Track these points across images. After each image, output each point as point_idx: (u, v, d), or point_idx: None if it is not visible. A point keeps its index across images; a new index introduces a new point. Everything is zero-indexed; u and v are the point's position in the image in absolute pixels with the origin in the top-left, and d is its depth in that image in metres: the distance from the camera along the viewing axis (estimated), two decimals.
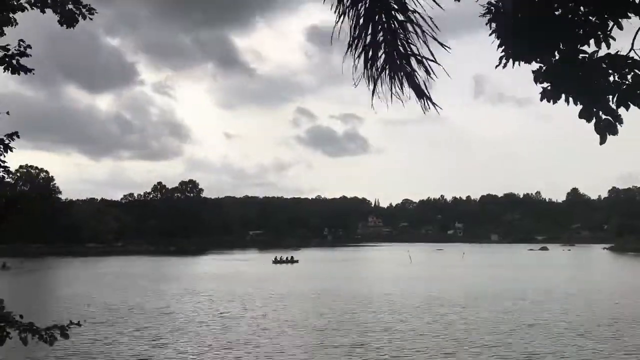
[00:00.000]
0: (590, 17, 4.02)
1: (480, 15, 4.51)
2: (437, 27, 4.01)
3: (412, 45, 4.06)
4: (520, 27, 4.19)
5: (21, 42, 7.42)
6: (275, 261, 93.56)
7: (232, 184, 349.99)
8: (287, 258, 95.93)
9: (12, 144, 7.87)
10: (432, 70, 4.05)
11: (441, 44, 4.02)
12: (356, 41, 4.07)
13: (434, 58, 4.04)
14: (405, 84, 4.09)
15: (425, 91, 4.08)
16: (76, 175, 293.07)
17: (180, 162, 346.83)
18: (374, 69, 4.09)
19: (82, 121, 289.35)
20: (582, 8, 4.05)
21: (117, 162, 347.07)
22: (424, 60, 4.02)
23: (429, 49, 4.02)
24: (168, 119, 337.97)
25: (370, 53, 4.08)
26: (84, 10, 7.33)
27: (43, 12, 7.36)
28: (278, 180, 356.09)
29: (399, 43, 4.03)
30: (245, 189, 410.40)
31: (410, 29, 4.02)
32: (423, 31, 4.00)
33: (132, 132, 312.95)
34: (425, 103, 4.10)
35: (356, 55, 4.09)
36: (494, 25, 4.41)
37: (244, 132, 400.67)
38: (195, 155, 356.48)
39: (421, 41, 4.02)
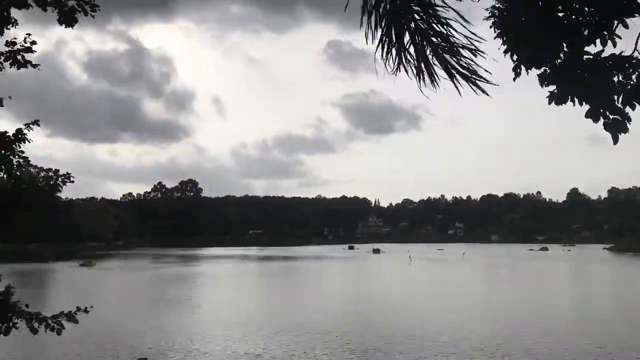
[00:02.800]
0: (596, 17, 4.01)
1: (484, 19, 4.50)
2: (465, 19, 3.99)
3: (450, 37, 4.03)
4: (527, 32, 4.17)
5: (27, 37, 7.40)
6: None
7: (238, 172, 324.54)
8: None
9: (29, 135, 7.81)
10: (478, 52, 4.00)
11: (475, 35, 3.99)
12: (389, 29, 4.04)
13: (475, 45, 3.99)
14: (448, 73, 4.05)
15: (474, 74, 4.03)
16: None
17: (178, 147, 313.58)
18: (416, 57, 4.06)
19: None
20: (586, 8, 4.04)
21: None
22: (466, 47, 3.99)
23: (466, 38, 3.99)
24: (154, 82, 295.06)
25: (410, 40, 4.05)
26: (86, 6, 7.25)
27: (44, 10, 7.29)
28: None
29: (437, 33, 4.02)
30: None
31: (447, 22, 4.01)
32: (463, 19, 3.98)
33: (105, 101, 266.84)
34: (474, 85, 4.04)
35: (390, 44, 4.06)
36: (497, 29, 4.40)
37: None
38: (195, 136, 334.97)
39: (455, 31, 4.00)
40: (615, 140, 4.01)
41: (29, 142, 7.82)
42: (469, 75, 4.02)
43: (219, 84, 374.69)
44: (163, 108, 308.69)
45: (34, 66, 7.53)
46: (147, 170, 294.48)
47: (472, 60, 4.01)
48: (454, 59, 4.02)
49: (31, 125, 7.85)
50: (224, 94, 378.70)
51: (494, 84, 4.06)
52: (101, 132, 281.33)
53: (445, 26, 4.00)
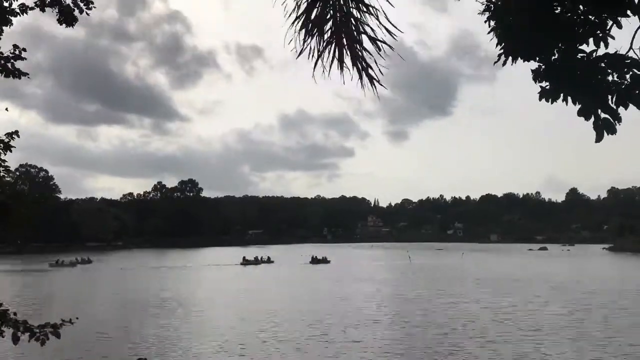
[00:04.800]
0: (590, 16, 4.01)
1: (479, 13, 4.49)
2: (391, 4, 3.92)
3: (364, 25, 3.95)
4: (519, 26, 4.17)
5: (16, 47, 7.29)
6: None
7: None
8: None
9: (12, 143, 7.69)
10: (383, 50, 3.92)
11: (393, 25, 3.91)
12: (304, 10, 3.96)
13: (391, 36, 3.89)
14: (349, 62, 3.97)
15: (372, 72, 3.97)
16: None
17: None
18: (320, 43, 3.96)
19: None
20: (581, 7, 4.03)
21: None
22: (376, 40, 3.91)
23: (385, 28, 3.89)
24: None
25: (317, 25, 3.97)
26: (81, 4, 7.18)
27: (43, 10, 7.23)
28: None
29: (350, 19, 3.93)
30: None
31: (364, 8, 3.94)
32: (376, 10, 3.92)
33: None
34: (367, 83, 3.98)
35: (301, 24, 3.97)
36: (492, 23, 4.39)
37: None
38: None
39: (374, 19, 3.91)
40: (599, 139, 3.99)
41: (12, 150, 7.60)
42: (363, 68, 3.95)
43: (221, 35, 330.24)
44: (152, 78, 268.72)
45: (25, 74, 7.43)
46: (136, 161, 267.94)
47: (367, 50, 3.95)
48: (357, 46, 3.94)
49: (13, 136, 7.56)
50: (229, 54, 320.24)
51: (383, 86, 4.00)
52: (78, 111, 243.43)
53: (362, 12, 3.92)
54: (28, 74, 7.48)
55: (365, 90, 4.01)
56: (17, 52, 7.23)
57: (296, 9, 3.96)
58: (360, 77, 3.99)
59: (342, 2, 3.93)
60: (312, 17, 3.94)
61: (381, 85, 4.01)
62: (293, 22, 3.96)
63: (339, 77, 4.00)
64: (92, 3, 7.20)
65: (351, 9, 3.94)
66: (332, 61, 3.96)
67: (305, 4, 3.96)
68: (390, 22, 3.90)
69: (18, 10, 7.13)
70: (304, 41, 3.96)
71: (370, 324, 30.92)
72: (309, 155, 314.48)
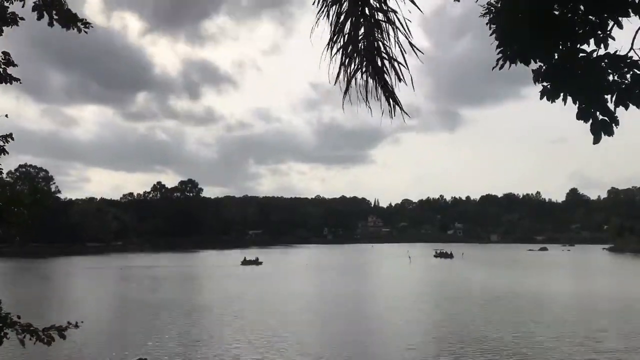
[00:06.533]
0: (590, 17, 4.01)
1: (480, 16, 4.50)
2: (409, 31, 3.93)
3: (387, 47, 3.98)
4: (520, 28, 4.17)
5: (5, 53, 7.30)
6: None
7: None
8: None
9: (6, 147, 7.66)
10: (402, 75, 3.95)
11: (415, 48, 3.93)
12: (335, 38, 4.00)
13: (405, 62, 3.94)
14: (378, 87, 4.01)
15: (396, 96, 4.02)
16: None
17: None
18: (349, 69, 4.00)
19: None
20: (581, 7, 4.03)
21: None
22: (395, 63, 3.93)
23: (402, 52, 3.93)
24: None
25: (347, 52, 4.00)
26: (80, 24, 7.22)
27: (39, 19, 7.20)
28: None
29: (375, 44, 3.96)
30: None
31: (388, 30, 3.96)
32: (397, 33, 3.94)
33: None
34: (394, 109, 4.02)
35: (333, 53, 4.01)
36: (493, 26, 4.39)
37: None
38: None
39: (394, 43, 3.94)
40: (597, 141, 4.01)
41: (6, 153, 7.59)
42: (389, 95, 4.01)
43: None
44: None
45: (16, 79, 7.43)
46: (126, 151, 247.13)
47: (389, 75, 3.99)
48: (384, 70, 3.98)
49: (7, 139, 7.52)
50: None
51: (407, 114, 4.06)
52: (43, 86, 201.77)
53: (384, 33, 3.95)
54: (19, 79, 7.46)
55: (392, 115, 4.06)
56: (7, 58, 7.26)
57: (331, 35, 4.02)
58: (388, 102, 4.02)
59: (371, 28, 3.96)
60: (344, 42, 3.99)
61: (406, 113, 4.07)
62: (328, 47, 4.01)
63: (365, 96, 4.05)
64: (90, 23, 7.26)
65: (376, 33, 3.96)
66: (365, 87, 4.01)
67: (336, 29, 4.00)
68: (413, 45, 3.93)
69: (22, 16, 7.14)
70: (341, 66, 4.01)
71: None
72: (323, 146, 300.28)
